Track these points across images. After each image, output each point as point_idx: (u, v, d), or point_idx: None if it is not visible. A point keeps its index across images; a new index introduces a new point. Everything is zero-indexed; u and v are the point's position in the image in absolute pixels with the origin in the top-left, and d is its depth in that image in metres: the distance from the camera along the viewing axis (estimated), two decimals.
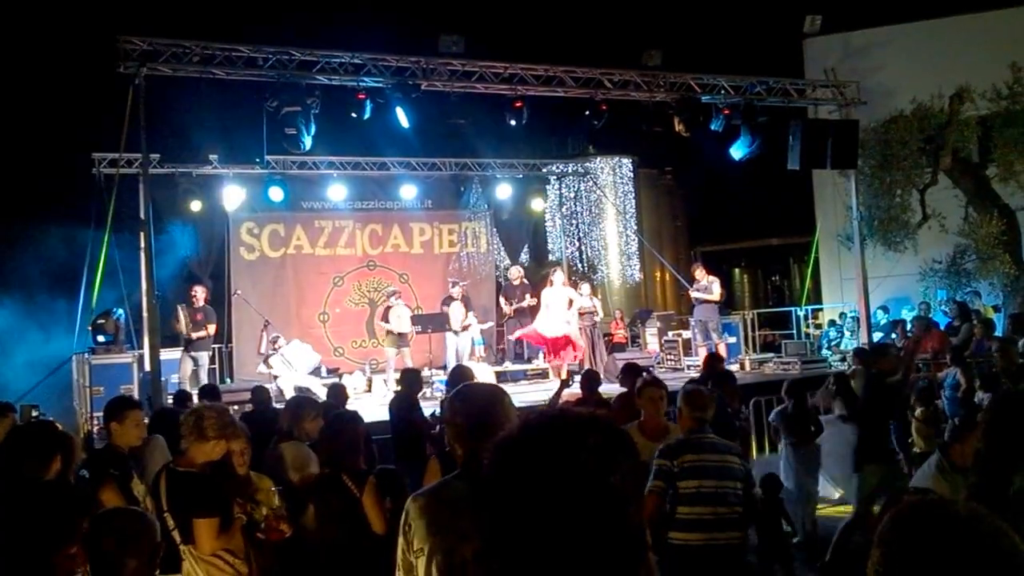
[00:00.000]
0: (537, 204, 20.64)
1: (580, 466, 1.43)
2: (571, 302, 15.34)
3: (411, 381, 9.95)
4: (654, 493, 5.11)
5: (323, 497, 5.02)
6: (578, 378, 10.49)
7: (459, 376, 9.38)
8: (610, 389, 10.85)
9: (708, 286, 15.96)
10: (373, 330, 18.35)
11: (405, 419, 9.26)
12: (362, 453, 5.19)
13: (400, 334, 15.68)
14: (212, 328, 14.83)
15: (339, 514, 5.00)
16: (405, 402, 9.53)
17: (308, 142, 13.25)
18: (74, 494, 3.56)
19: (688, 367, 16.65)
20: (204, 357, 14.71)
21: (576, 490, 1.41)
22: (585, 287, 16.42)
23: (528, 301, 17.11)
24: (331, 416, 5.99)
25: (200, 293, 14.96)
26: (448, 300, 16.67)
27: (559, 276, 15.69)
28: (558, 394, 9.28)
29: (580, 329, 15.79)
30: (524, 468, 1.45)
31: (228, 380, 16.62)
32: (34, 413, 10.27)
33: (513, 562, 1.44)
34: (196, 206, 16.52)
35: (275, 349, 14.92)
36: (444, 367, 15.71)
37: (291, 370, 14.71)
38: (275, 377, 14.61)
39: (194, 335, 14.42)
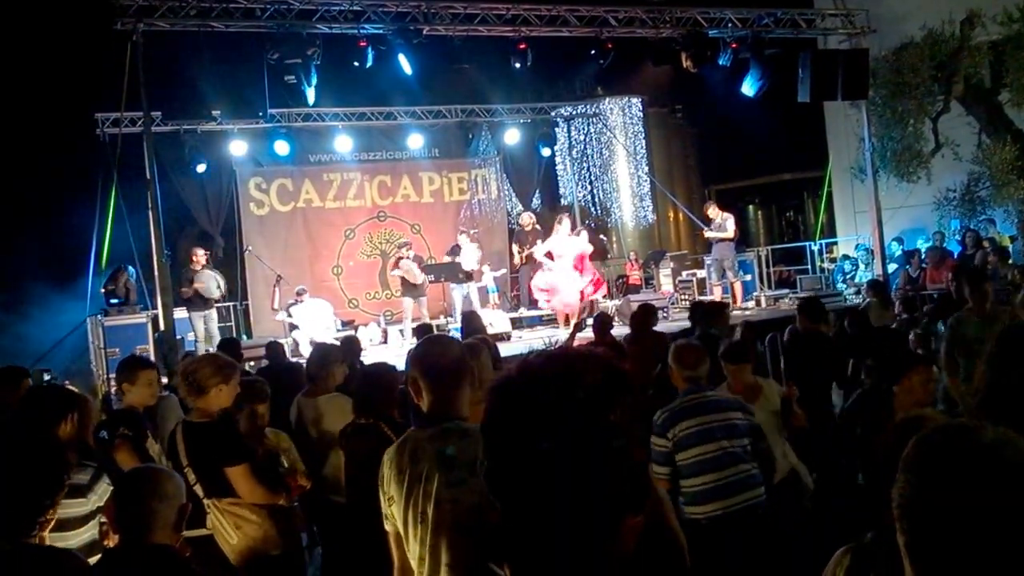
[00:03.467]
0: (546, 148, 20.47)
1: (578, 404, 1.40)
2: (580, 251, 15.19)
3: (424, 335, 9.88)
4: (660, 479, 4.73)
5: (358, 446, 4.91)
6: (591, 321, 10.44)
7: (470, 323, 9.37)
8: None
9: (722, 223, 15.79)
10: (386, 281, 18.34)
11: None
12: (397, 404, 5.13)
13: (415, 284, 15.63)
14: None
15: (365, 466, 4.94)
16: None
17: (311, 94, 13.15)
18: (56, 448, 3.54)
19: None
20: (213, 313, 14.79)
21: (574, 428, 1.39)
22: (584, 234, 16.15)
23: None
24: (368, 365, 5.94)
25: (201, 256, 14.79)
26: (456, 249, 16.54)
27: (565, 225, 15.45)
28: (571, 337, 9.24)
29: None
30: (521, 407, 1.43)
31: (244, 337, 16.64)
32: (46, 377, 10.26)
33: (513, 504, 1.44)
34: (202, 163, 16.45)
35: (299, 300, 14.94)
36: (452, 316, 15.63)
37: (311, 321, 14.72)
38: (293, 327, 14.63)
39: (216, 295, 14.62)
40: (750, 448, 4.91)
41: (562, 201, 22.66)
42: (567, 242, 14.97)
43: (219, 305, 15.22)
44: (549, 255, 14.98)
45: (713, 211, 16.14)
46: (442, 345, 3.32)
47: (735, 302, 15.86)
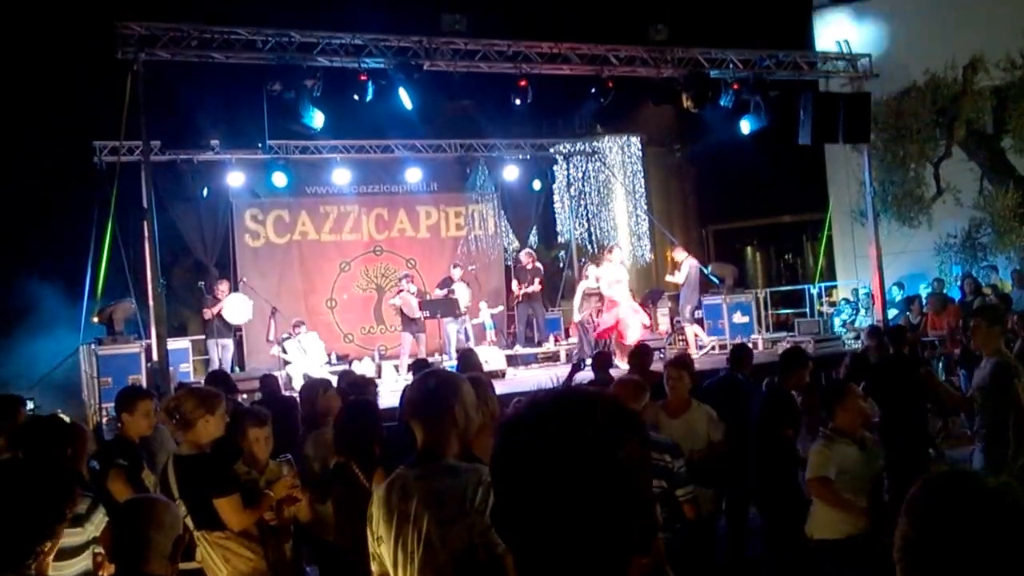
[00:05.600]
0: (544, 185, 20.41)
1: (587, 443, 1.42)
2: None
3: (420, 371, 9.76)
4: None
5: (338, 486, 4.95)
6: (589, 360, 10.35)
7: (466, 360, 9.27)
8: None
9: (680, 266, 15.80)
10: (381, 316, 18.25)
11: None
12: (377, 442, 5.06)
13: (413, 319, 15.57)
14: None
15: (350, 503, 4.84)
16: None
17: (318, 123, 13.10)
18: (63, 477, 3.47)
19: (699, 348, 16.48)
20: (230, 344, 15.43)
21: (584, 467, 1.40)
22: (592, 269, 16.12)
23: (536, 287, 17.01)
24: (345, 403, 5.88)
25: (225, 287, 15.48)
26: (448, 282, 16.49)
27: (616, 255, 15.51)
28: (570, 376, 9.15)
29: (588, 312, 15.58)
30: (530, 446, 1.44)
31: (237, 369, 16.48)
32: (30, 406, 10.05)
33: (523, 541, 1.44)
34: (199, 193, 16.39)
35: (294, 333, 14.83)
36: (447, 353, 15.49)
37: (305, 357, 14.61)
38: (287, 363, 14.53)
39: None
40: (663, 491, 5.16)
41: (559, 239, 22.63)
42: (620, 271, 15.09)
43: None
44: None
45: (678, 254, 16.18)
46: (426, 383, 3.29)
47: (687, 348, 15.67)
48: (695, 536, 6.02)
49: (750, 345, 15.87)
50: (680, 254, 16.16)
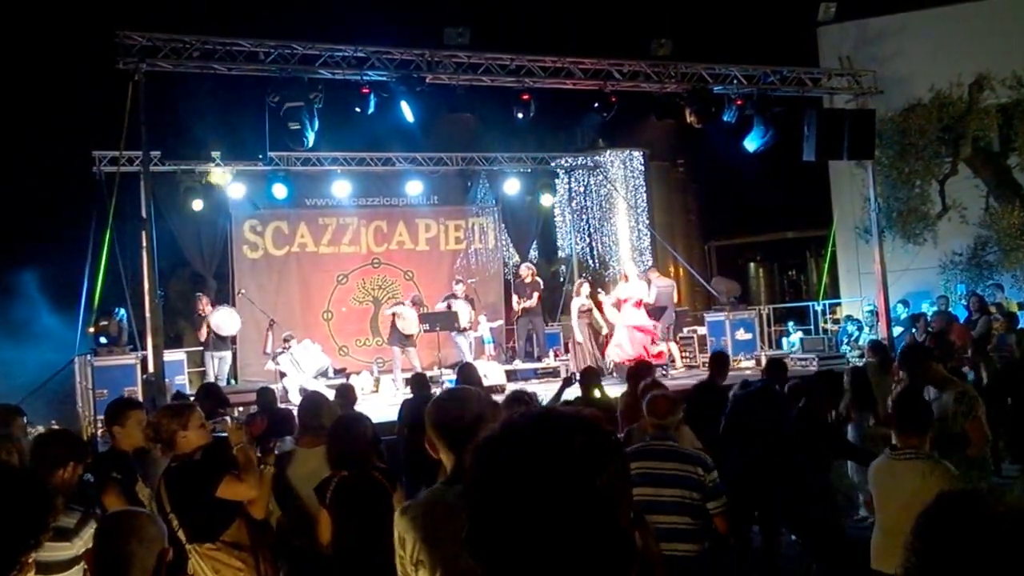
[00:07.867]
0: (546, 199, 20.31)
1: (564, 468, 1.38)
2: (640, 301, 15.07)
3: (422, 385, 9.66)
4: None
5: (342, 502, 4.84)
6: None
7: (466, 374, 9.16)
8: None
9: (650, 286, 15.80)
10: (377, 328, 18.11)
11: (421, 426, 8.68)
12: (373, 455, 5.00)
13: (406, 335, 15.45)
14: None
15: (359, 519, 4.80)
16: (419, 409, 9.08)
17: (311, 139, 13.04)
18: (43, 488, 3.41)
19: (703, 364, 16.36)
20: (227, 356, 15.50)
21: (560, 492, 1.36)
22: (586, 287, 15.99)
23: (534, 301, 16.93)
24: (338, 417, 5.77)
25: (205, 301, 15.45)
26: (451, 298, 16.40)
27: (632, 274, 15.50)
28: (559, 393, 9.06)
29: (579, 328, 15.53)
30: (505, 470, 1.40)
31: (232, 381, 16.35)
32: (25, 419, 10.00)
33: (496, 566, 1.40)
34: (198, 204, 16.30)
35: (286, 348, 14.69)
36: (454, 366, 15.39)
37: (299, 371, 14.50)
38: (282, 375, 14.42)
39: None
40: (698, 502, 5.12)
41: (560, 253, 22.55)
42: (633, 287, 15.13)
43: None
44: (617, 304, 14.91)
45: (651, 274, 16.30)
46: (459, 401, 3.09)
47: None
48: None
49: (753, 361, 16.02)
50: (653, 274, 16.23)
